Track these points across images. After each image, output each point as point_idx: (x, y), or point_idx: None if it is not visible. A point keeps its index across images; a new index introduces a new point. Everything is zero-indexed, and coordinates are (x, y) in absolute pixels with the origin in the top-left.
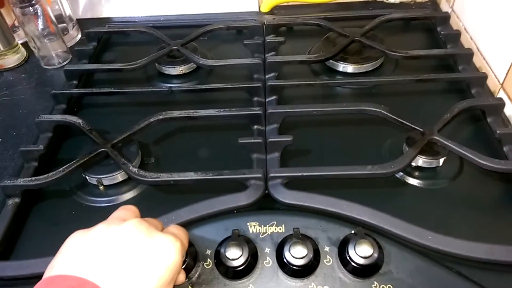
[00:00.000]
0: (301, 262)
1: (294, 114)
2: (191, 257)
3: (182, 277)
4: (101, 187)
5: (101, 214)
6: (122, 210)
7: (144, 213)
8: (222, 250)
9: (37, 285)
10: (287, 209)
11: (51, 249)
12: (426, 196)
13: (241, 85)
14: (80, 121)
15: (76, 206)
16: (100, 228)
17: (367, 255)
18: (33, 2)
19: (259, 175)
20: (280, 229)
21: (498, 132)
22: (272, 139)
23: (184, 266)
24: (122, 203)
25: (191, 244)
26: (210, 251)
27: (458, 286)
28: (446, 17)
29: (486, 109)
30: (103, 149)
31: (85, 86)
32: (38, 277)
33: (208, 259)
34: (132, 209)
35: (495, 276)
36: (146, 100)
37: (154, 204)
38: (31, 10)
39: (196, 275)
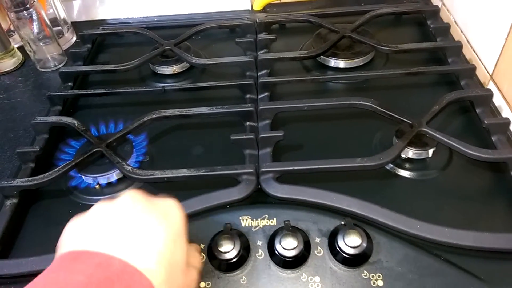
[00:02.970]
0: (291, 254)
1: (285, 110)
2: None
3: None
4: (97, 186)
5: None
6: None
7: None
8: (214, 244)
9: (61, 259)
10: (279, 203)
11: (49, 248)
12: (416, 187)
13: (233, 83)
14: (75, 122)
15: (73, 205)
16: (97, 206)
17: (355, 245)
18: (28, 6)
19: (251, 170)
20: (272, 222)
21: (486, 122)
22: (263, 135)
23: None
24: None
25: None
26: (203, 246)
27: (446, 273)
28: (435, 11)
29: (474, 100)
30: (98, 149)
31: (80, 88)
32: (36, 274)
33: (202, 253)
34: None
35: (483, 263)
36: (140, 100)
37: None
38: (26, 14)
39: None
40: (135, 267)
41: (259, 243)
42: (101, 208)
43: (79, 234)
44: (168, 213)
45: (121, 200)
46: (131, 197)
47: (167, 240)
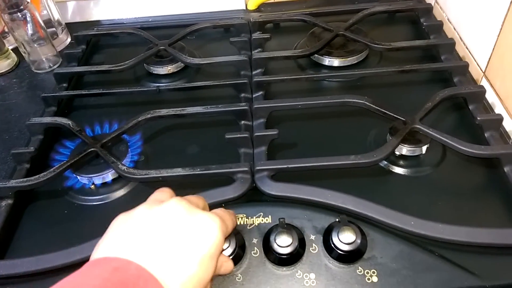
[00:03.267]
0: (286, 251)
1: (279, 109)
2: None
3: (230, 265)
4: (92, 186)
5: (93, 213)
6: (159, 192)
7: None
8: None
9: (83, 268)
10: (274, 201)
11: (45, 248)
12: (410, 184)
13: (228, 82)
14: (69, 122)
15: (68, 206)
16: (142, 209)
17: (350, 241)
18: (22, 7)
19: (246, 169)
20: (267, 220)
21: (479, 118)
22: (258, 134)
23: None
24: (114, 201)
25: None
26: None
27: (440, 269)
28: (428, 8)
29: (467, 97)
30: (93, 149)
31: (75, 89)
32: (31, 275)
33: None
34: (167, 190)
35: (477, 258)
36: (135, 100)
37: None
38: (20, 16)
39: None
40: (152, 274)
41: (255, 241)
42: (143, 213)
43: (112, 238)
44: (205, 234)
45: (164, 208)
46: (176, 207)
47: (195, 259)
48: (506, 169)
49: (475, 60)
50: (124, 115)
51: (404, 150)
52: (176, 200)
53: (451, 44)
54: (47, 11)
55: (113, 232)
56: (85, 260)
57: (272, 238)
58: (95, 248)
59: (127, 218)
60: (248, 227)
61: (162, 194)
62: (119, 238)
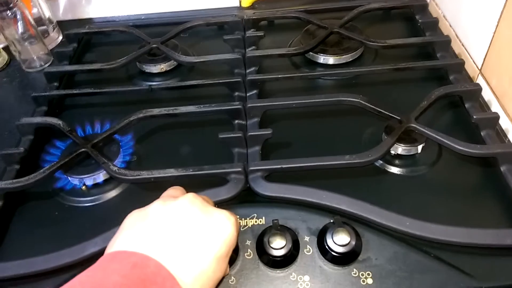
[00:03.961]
0: (280, 253)
1: (274, 108)
2: None
3: (227, 269)
4: (83, 187)
5: (84, 214)
6: (172, 189)
7: (128, 211)
8: None
9: (100, 260)
10: (267, 202)
11: (35, 250)
12: (406, 183)
13: (221, 81)
14: (60, 122)
15: (59, 207)
16: (157, 206)
17: (344, 243)
18: (11, 5)
19: (239, 169)
20: (260, 221)
21: (475, 117)
22: (252, 133)
23: None
24: (105, 202)
25: None
26: None
27: (436, 270)
28: (424, 5)
29: (463, 95)
30: (83, 149)
31: (66, 88)
32: (22, 278)
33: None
34: (180, 188)
35: (472, 259)
36: (127, 99)
37: (138, 202)
38: (10, 14)
39: None
40: (170, 272)
41: (248, 242)
42: (158, 208)
43: (128, 232)
44: (221, 230)
45: (179, 203)
46: (191, 203)
47: (209, 257)
48: (502, 168)
49: (471, 58)
50: (116, 114)
51: (400, 149)
52: (191, 196)
53: (447, 41)
54: (38, 9)
55: (129, 228)
56: (77, 262)
57: (265, 239)
58: (110, 242)
59: (142, 214)
60: (241, 229)
61: (176, 191)
62: (136, 233)
